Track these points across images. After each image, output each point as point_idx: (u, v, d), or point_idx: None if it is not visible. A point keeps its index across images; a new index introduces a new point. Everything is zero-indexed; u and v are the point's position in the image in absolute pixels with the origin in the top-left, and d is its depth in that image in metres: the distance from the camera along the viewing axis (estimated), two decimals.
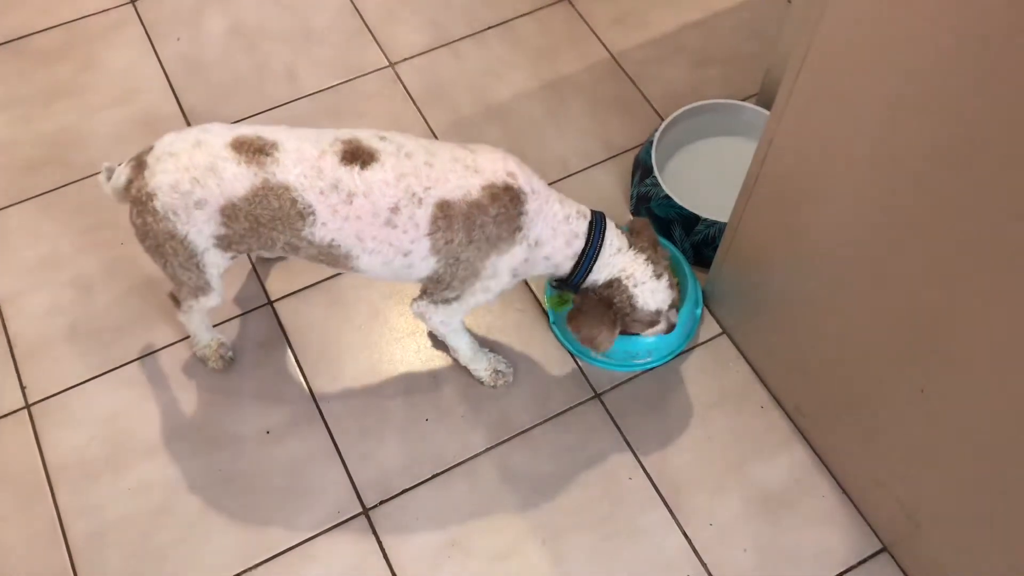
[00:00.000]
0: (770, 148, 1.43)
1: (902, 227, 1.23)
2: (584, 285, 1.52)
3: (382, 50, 2.20)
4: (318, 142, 1.37)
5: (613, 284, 1.49)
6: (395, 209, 1.37)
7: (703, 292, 1.85)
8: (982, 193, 1.08)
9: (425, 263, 1.43)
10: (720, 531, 1.62)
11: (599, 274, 1.50)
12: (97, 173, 1.95)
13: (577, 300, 1.55)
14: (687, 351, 1.80)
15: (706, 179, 1.97)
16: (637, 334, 1.61)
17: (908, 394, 1.35)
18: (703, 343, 1.82)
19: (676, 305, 1.58)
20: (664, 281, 1.53)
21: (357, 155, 1.36)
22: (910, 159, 1.16)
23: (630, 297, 1.50)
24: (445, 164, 1.39)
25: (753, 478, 1.67)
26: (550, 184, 1.50)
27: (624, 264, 1.49)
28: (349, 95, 2.12)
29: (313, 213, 1.36)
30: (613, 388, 1.76)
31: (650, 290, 1.50)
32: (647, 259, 1.50)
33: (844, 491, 1.65)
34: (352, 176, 1.35)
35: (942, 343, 1.25)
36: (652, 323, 1.55)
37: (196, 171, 1.34)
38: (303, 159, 1.35)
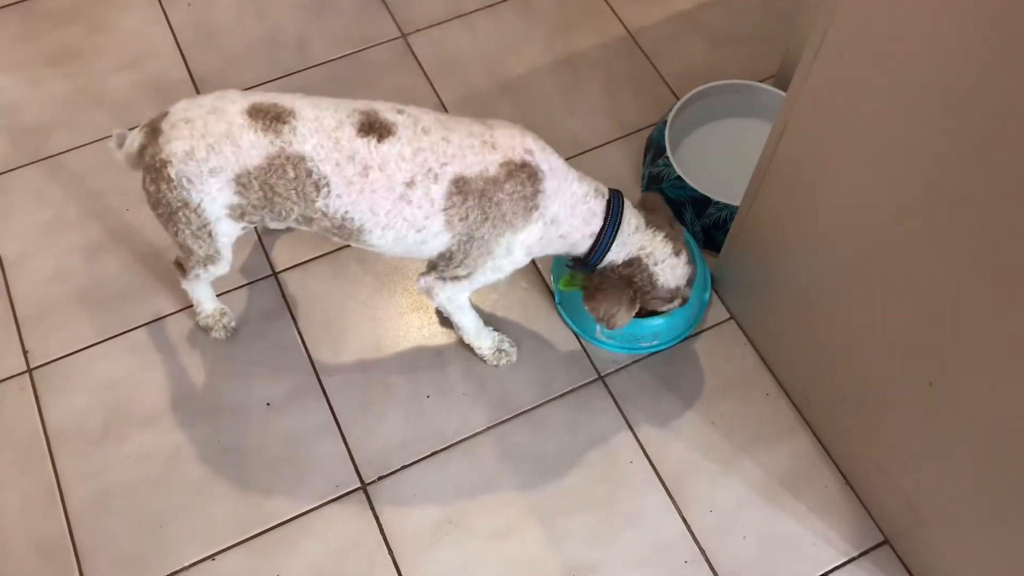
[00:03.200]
0: (784, 131, 1.40)
1: (916, 216, 1.21)
2: (602, 265, 1.50)
3: (395, 20, 2.17)
4: (336, 112, 1.36)
5: (633, 263, 1.48)
6: (410, 184, 1.35)
7: (712, 276, 1.82)
8: (1000, 181, 1.05)
9: (438, 239, 1.42)
10: (720, 518, 1.60)
11: (618, 254, 1.48)
12: (105, 138, 1.95)
13: (594, 280, 1.53)
14: (694, 335, 1.78)
15: (720, 161, 1.94)
16: (655, 312, 1.60)
17: (916, 387, 1.33)
18: (710, 328, 1.80)
19: (692, 280, 1.56)
20: (683, 257, 1.52)
21: (374, 127, 1.35)
22: (927, 146, 1.14)
23: (651, 276, 1.49)
24: (462, 140, 1.37)
25: (756, 465, 1.65)
26: None
27: (643, 243, 1.48)
28: (360, 65, 2.10)
29: (328, 184, 1.34)
30: (617, 370, 1.74)
31: (670, 267, 1.50)
32: (665, 237, 1.49)
33: (847, 482, 1.64)
34: (368, 148, 1.34)
35: (953, 336, 1.23)
36: (671, 299, 1.54)
37: (212, 138, 1.32)
38: (320, 129, 1.33)
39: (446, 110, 2.03)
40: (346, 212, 1.37)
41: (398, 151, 1.34)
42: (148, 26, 2.14)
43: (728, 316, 1.81)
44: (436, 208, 1.37)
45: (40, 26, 2.13)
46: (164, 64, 2.09)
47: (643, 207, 1.53)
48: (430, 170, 1.35)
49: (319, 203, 1.36)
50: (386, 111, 1.38)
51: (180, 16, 2.16)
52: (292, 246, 1.85)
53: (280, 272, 1.83)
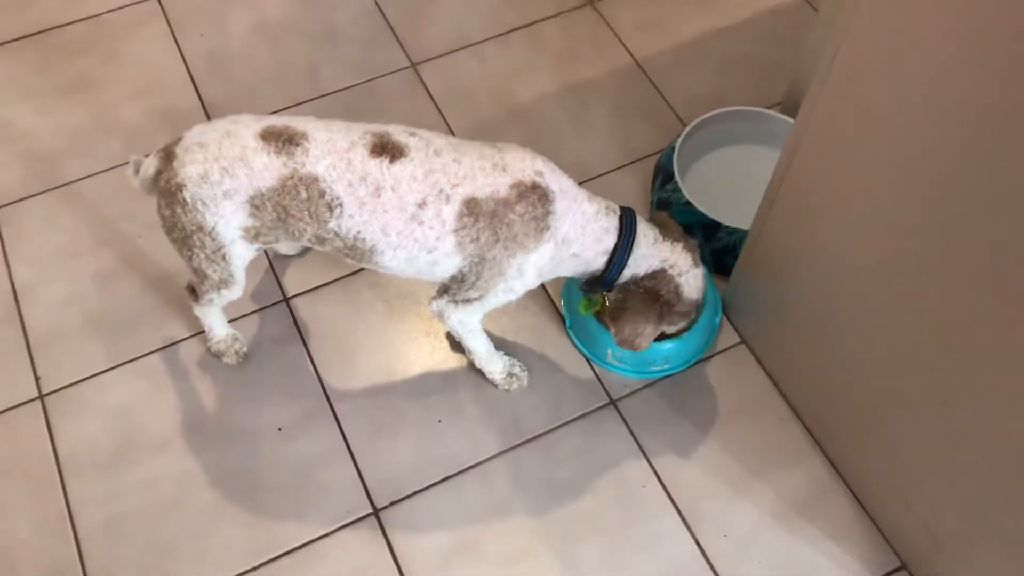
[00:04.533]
0: (794, 156, 1.41)
1: (928, 238, 1.21)
2: (621, 280, 1.50)
3: (404, 50, 2.20)
4: (348, 134, 1.37)
5: (658, 275, 1.49)
6: (422, 204, 1.36)
7: (722, 300, 1.82)
8: (1012, 204, 1.05)
9: (450, 261, 1.42)
10: (734, 543, 1.59)
11: (639, 267, 1.48)
12: (119, 165, 1.97)
13: (616, 298, 1.52)
14: (705, 359, 1.78)
15: (728, 186, 1.95)
16: (663, 336, 1.60)
17: (931, 407, 1.32)
18: (721, 352, 1.79)
19: (704, 296, 1.58)
20: (702, 269, 1.54)
21: (386, 149, 1.36)
22: (938, 169, 1.14)
23: (677, 287, 1.49)
24: (473, 162, 1.39)
25: (769, 490, 1.64)
26: None
27: (666, 254, 1.49)
28: (370, 94, 2.12)
29: (341, 205, 1.35)
30: (629, 395, 1.74)
31: (693, 277, 1.51)
32: (684, 248, 1.50)
33: (862, 506, 1.62)
34: (381, 169, 1.35)
35: (966, 355, 1.23)
36: (688, 314, 1.55)
37: (225, 161, 1.33)
38: (333, 150, 1.35)
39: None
40: (358, 232, 1.38)
41: (410, 172, 1.35)
42: (161, 56, 2.17)
43: (739, 340, 1.81)
44: (447, 229, 1.38)
45: (54, 56, 2.15)
46: (176, 93, 2.11)
47: (655, 224, 1.54)
48: (442, 191, 1.36)
49: (332, 223, 1.37)
50: (398, 133, 1.39)
51: (192, 46, 2.19)
52: (303, 272, 1.86)
53: (291, 298, 1.83)
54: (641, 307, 1.48)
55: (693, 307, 1.54)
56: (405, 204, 1.35)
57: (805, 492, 1.64)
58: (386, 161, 1.35)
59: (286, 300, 1.83)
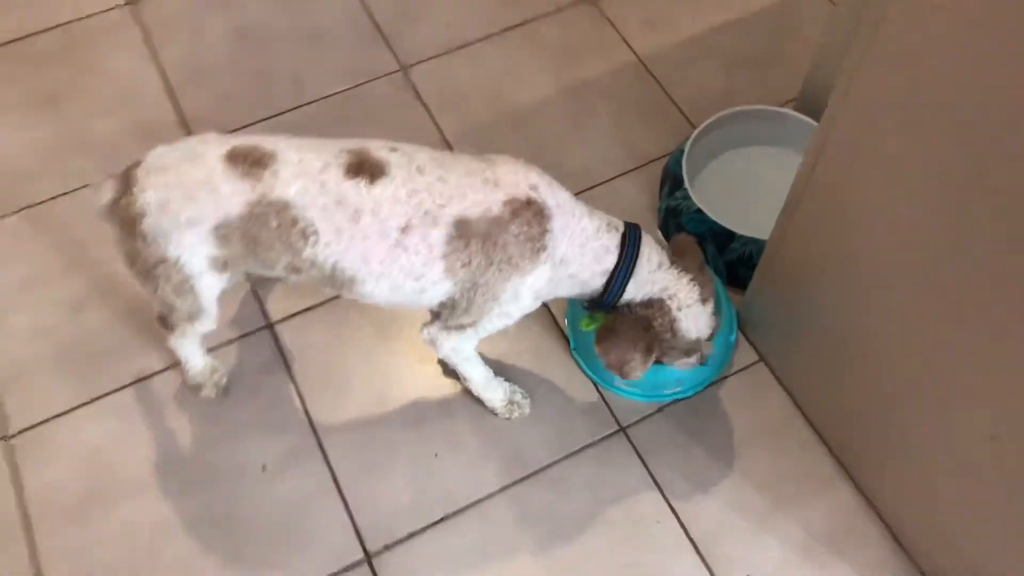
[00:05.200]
0: (819, 160, 1.30)
1: (967, 249, 1.10)
2: (619, 303, 1.38)
3: (394, 53, 2.09)
4: (322, 153, 1.26)
5: (653, 304, 1.36)
6: (406, 229, 1.25)
7: (738, 316, 1.71)
8: None
9: (438, 288, 1.31)
10: None
11: (637, 292, 1.36)
12: (91, 184, 1.85)
13: (609, 319, 1.41)
14: (720, 380, 1.67)
15: (742, 192, 1.84)
16: (666, 364, 1.48)
17: (975, 441, 1.21)
18: (738, 372, 1.69)
19: (714, 335, 1.44)
20: (710, 307, 1.39)
21: (364, 168, 1.25)
22: (978, 173, 1.03)
23: (672, 321, 1.36)
24: (461, 178, 1.28)
25: (794, 523, 1.54)
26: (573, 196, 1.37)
27: (667, 283, 1.36)
28: (358, 101, 2.02)
29: (316, 232, 1.24)
30: (640, 421, 1.63)
31: (694, 315, 1.37)
32: (692, 280, 1.36)
33: (896, 539, 1.51)
34: (359, 191, 1.24)
35: (1017, 385, 1.10)
36: (689, 352, 1.42)
37: (188, 187, 1.23)
38: (304, 172, 1.24)
39: (449, 145, 1.94)
40: (336, 262, 1.26)
41: (392, 193, 1.24)
42: (137, 66, 2.06)
43: (757, 358, 1.70)
44: (435, 254, 1.26)
45: (22, 67, 2.05)
46: (153, 105, 2.00)
47: (673, 248, 1.41)
48: (427, 212, 1.25)
49: (307, 253, 1.26)
50: (377, 149, 1.28)
51: (170, 56, 2.08)
52: (288, 296, 1.75)
53: (275, 323, 1.72)
54: (629, 335, 1.35)
55: (692, 347, 1.41)
56: (387, 229, 1.24)
57: (833, 524, 1.54)
58: (364, 182, 1.24)
59: (269, 326, 1.72)
